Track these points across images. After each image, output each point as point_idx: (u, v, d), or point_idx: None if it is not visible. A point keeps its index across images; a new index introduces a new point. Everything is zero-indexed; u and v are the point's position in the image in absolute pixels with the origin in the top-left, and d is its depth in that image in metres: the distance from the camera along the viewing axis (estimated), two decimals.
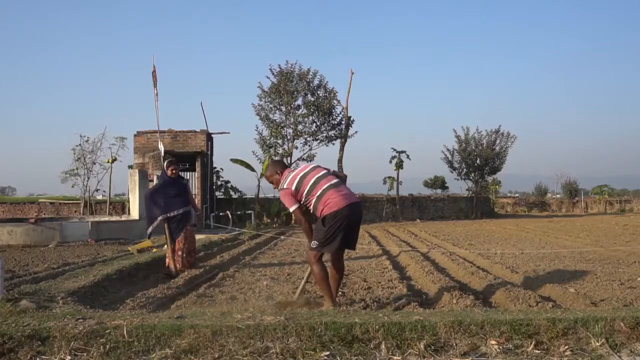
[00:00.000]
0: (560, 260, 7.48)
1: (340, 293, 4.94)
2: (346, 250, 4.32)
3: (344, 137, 21.89)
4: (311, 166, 4.24)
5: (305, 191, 4.03)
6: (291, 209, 4.07)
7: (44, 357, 2.67)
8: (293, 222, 20.04)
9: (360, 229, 4.26)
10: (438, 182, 50.33)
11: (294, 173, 4.15)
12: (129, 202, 15.42)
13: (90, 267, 6.16)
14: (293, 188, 4.05)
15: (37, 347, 2.73)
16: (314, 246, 4.00)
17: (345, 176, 4.33)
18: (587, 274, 6.00)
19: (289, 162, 21.34)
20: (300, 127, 21.14)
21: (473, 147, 25.97)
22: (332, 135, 21.83)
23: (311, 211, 4.09)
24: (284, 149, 21.24)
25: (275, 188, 4.33)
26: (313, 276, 4.14)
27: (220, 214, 18.35)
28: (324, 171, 4.16)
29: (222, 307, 4.18)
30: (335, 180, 4.08)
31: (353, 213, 3.98)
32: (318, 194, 3.98)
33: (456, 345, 2.72)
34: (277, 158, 4.51)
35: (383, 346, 2.69)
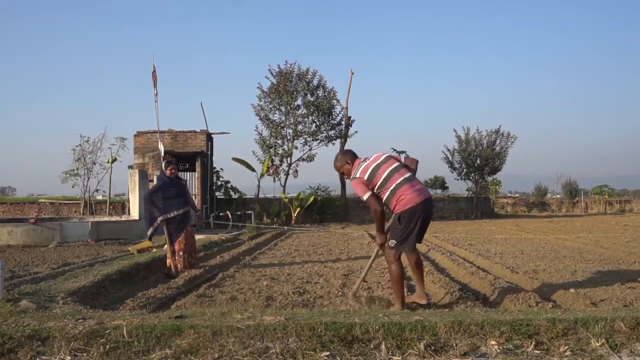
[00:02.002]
0: (561, 260, 7.47)
1: (340, 293, 4.94)
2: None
3: (343, 137, 21.89)
4: (383, 157, 4.17)
5: (378, 183, 4.04)
6: (364, 197, 4.04)
7: (44, 357, 2.67)
8: (293, 222, 20.05)
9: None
10: (438, 182, 50.33)
11: (366, 163, 4.13)
12: (129, 202, 15.41)
13: (90, 267, 6.16)
14: (365, 178, 4.06)
15: (37, 347, 2.73)
16: (392, 245, 4.03)
17: (417, 161, 4.29)
18: (587, 274, 6.00)
19: (288, 162, 21.37)
20: (300, 127, 21.16)
21: (473, 147, 25.96)
22: (332, 135, 21.84)
23: (383, 203, 4.11)
24: (283, 149, 21.25)
25: (346, 178, 4.33)
26: (390, 275, 4.13)
27: (220, 214, 18.35)
28: (397, 163, 4.12)
29: (222, 307, 4.18)
30: (408, 174, 4.07)
31: (427, 209, 4.03)
32: (392, 188, 4.00)
33: (456, 345, 2.72)
34: (347, 148, 4.54)
35: (383, 346, 2.69)
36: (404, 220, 3.96)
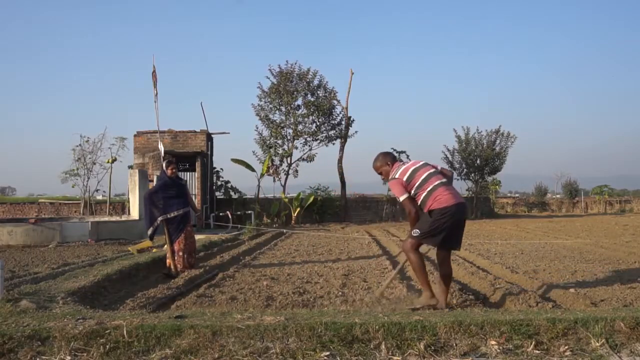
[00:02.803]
0: (560, 260, 7.47)
1: (340, 293, 4.94)
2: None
3: (343, 137, 21.90)
4: (421, 162, 4.31)
5: (417, 184, 4.11)
6: (401, 198, 4.13)
7: (44, 357, 2.67)
8: (293, 222, 20.04)
9: (464, 227, 4.30)
10: None
11: (405, 166, 4.23)
12: (129, 202, 15.41)
13: (90, 267, 6.16)
14: (404, 179, 4.13)
15: (37, 347, 2.73)
16: (415, 234, 4.06)
17: (453, 172, 4.45)
18: (587, 274, 6.00)
19: (288, 162, 21.37)
20: (300, 127, 21.16)
21: (473, 147, 25.97)
22: (332, 135, 21.85)
23: (418, 205, 4.16)
24: (284, 149, 21.25)
25: (383, 179, 4.40)
26: (410, 265, 4.17)
27: (220, 214, 18.35)
28: (434, 169, 4.25)
29: (222, 307, 4.18)
30: (444, 179, 4.18)
31: (460, 212, 4.08)
32: (429, 189, 4.06)
33: (456, 345, 2.72)
34: (386, 150, 4.58)
35: (383, 346, 2.69)
36: (434, 215, 4.01)
